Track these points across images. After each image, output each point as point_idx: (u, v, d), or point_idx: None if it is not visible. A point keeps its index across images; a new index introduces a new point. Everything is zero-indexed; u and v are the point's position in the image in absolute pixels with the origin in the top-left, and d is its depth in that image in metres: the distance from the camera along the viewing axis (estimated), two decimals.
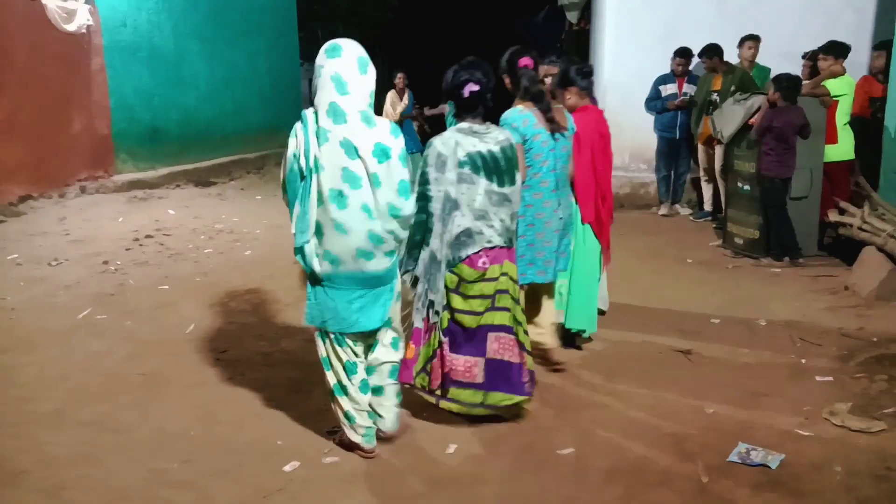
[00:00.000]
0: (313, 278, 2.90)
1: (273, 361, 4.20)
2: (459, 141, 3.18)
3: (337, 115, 2.69)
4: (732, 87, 7.31)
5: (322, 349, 3.05)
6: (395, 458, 3.13)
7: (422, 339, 3.32)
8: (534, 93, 3.66)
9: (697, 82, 7.99)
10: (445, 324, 3.29)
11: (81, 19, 8.67)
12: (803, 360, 4.19)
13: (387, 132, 2.77)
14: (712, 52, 7.73)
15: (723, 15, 8.25)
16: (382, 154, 2.73)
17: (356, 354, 3.06)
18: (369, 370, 3.11)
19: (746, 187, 6.53)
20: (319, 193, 2.73)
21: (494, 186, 3.20)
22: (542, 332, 3.95)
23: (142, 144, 9.80)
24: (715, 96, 7.57)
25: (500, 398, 3.31)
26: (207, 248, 6.81)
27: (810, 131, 6.11)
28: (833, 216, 5.93)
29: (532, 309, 3.89)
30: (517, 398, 3.34)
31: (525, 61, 3.68)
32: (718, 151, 7.47)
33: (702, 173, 8.09)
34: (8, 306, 5.08)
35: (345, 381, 3.04)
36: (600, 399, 3.72)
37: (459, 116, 3.30)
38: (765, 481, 2.94)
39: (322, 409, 3.55)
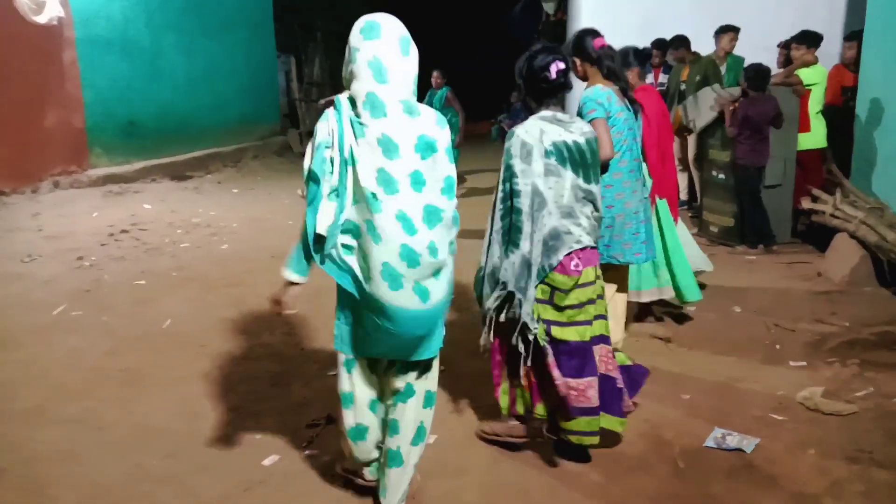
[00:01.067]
0: (342, 292, 2.46)
1: (253, 355, 4.19)
2: (544, 129, 2.88)
3: (375, 107, 2.30)
4: (698, 77, 7.40)
5: (346, 382, 2.58)
6: None
7: (501, 365, 3.03)
8: (616, 72, 3.61)
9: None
10: (543, 340, 2.87)
11: (52, 11, 8.55)
12: (777, 346, 4.27)
13: (432, 122, 2.39)
14: (679, 42, 7.81)
15: (699, 6, 8.32)
16: (427, 148, 2.35)
17: (382, 388, 2.64)
18: (392, 426, 2.60)
19: (721, 176, 6.61)
20: (355, 189, 2.32)
21: (581, 181, 2.90)
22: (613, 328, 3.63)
23: (117, 138, 9.69)
24: (684, 87, 7.64)
25: (611, 422, 2.98)
26: (184, 243, 6.77)
27: (783, 121, 6.20)
28: (806, 203, 6.02)
29: None
30: (621, 423, 3.02)
31: (601, 41, 3.61)
32: (691, 141, 7.54)
33: (676, 162, 8.15)
34: None
35: (368, 421, 2.61)
36: None
37: (541, 103, 3.00)
38: (740, 465, 3.01)
39: (302, 403, 3.57)
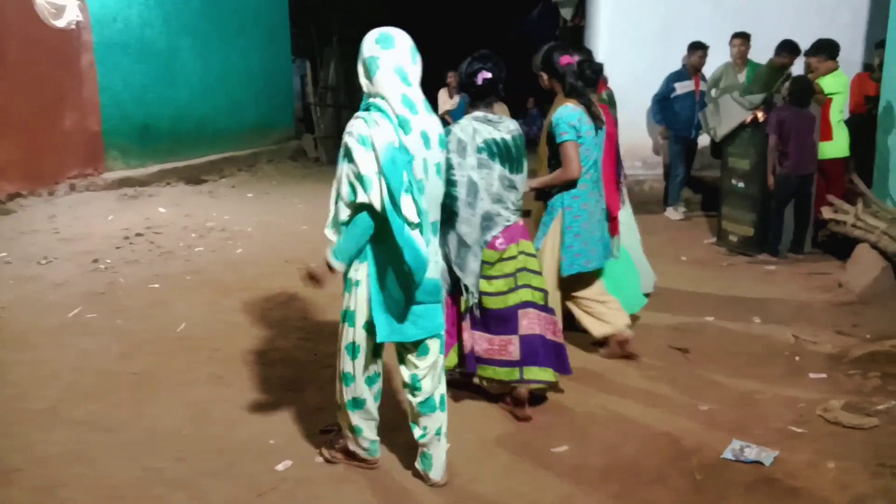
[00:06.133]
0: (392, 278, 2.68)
1: (266, 360, 4.18)
2: (477, 128, 3.35)
3: (411, 106, 2.62)
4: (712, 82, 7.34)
5: (349, 364, 2.81)
6: (388, 458, 3.11)
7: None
8: (578, 89, 3.80)
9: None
10: (464, 306, 3.45)
11: (71, 15, 8.59)
12: (797, 358, 4.20)
13: (438, 121, 2.82)
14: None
15: (719, 13, 8.27)
16: (441, 143, 2.79)
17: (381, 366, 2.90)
18: (423, 406, 2.86)
19: (741, 185, 6.54)
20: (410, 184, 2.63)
21: (507, 172, 3.38)
22: (612, 309, 4.06)
23: (132, 142, 9.72)
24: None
25: (539, 374, 3.42)
26: (198, 247, 6.77)
27: None
28: (827, 213, 5.94)
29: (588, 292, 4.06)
30: (555, 376, 3.48)
31: (567, 59, 3.80)
32: None
33: None
34: None
35: (364, 395, 2.85)
36: (595, 397, 3.72)
37: (473, 105, 3.45)
38: (759, 478, 2.95)
39: (315, 408, 3.54)
